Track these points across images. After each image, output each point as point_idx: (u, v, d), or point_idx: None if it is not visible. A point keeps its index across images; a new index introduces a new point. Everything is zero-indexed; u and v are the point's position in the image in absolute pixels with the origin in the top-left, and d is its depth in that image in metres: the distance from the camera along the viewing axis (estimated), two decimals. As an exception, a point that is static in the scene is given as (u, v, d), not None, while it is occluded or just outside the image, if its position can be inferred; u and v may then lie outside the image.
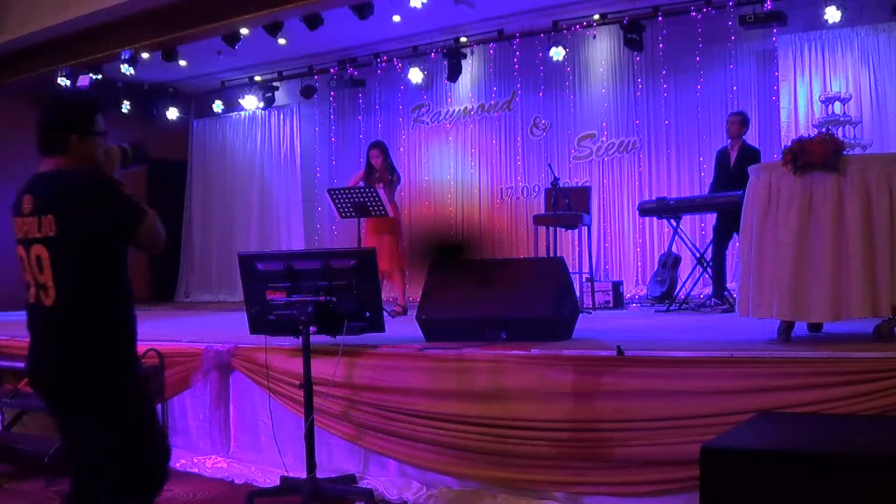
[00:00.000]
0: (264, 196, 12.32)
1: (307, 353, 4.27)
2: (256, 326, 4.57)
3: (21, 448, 5.36)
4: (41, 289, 2.81)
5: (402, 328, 5.47)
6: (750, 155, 7.24)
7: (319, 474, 4.28)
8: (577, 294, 6.37)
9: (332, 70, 11.43)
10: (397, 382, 4.51)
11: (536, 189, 10.38)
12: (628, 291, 9.11)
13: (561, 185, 8.52)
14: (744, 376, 3.71)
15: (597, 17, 9.78)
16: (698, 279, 7.76)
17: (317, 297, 4.25)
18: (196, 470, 5.13)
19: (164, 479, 3.01)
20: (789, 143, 4.25)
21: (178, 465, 5.07)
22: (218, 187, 12.76)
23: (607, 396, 3.97)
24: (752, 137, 8.03)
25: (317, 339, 4.37)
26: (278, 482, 4.50)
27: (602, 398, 3.98)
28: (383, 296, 5.35)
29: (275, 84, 11.97)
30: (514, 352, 4.30)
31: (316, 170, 12.14)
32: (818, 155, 4.03)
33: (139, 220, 2.84)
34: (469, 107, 11.00)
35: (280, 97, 12.10)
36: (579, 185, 9.75)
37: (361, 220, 7.49)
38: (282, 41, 9.53)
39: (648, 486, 3.83)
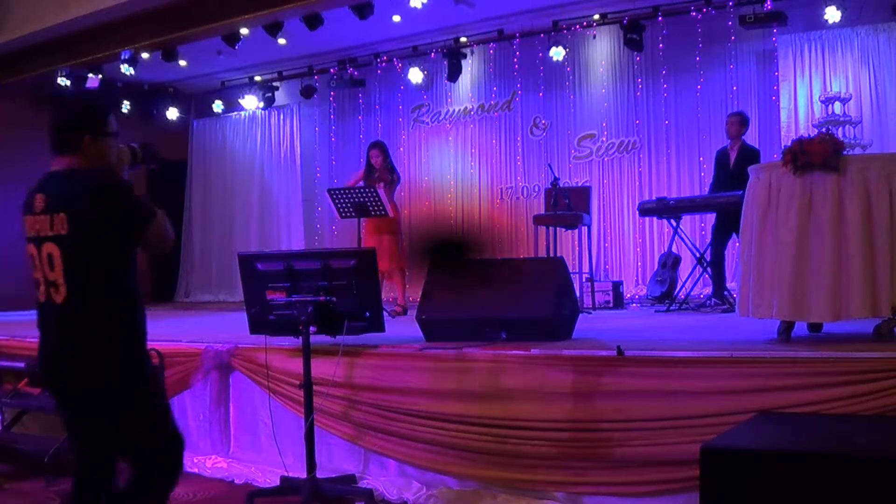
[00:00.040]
0: (264, 196, 12.32)
1: (307, 353, 4.27)
2: (256, 326, 4.57)
3: (21, 448, 5.37)
4: (52, 286, 2.83)
5: (402, 328, 5.47)
6: (749, 155, 7.25)
7: (319, 474, 4.28)
8: (577, 294, 6.37)
9: (332, 70, 11.43)
10: (397, 382, 4.51)
11: (536, 189, 10.38)
12: (628, 291, 9.10)
13: (561, 185, 8.52)
14: (744, 376, 3.71)
15: (597, 17, 9.78)
16: (698, 279, 7.76)
17: (317, 297, 4.25)
18: (196, 470, 5.13)
19: (179, 470, 3.03)
20: (789, 143, 4.25)
21: (178, 465, 5.07)
22: (218, 187, 12.75)
23: (607, 396, 3.97)
24: (752, 137, 8.03)
25: (317, 339, 4.37)
26: (278, 482, 4.51)
27: (602, 398, 3.98)
28: (383, 296, 5.35)
29: (275, 84, 11.97)
30: (514, 352, 4.30)
31: (316, 170, 12.14)
32: (818, 155, 4.04)
33: (149, 221, 2.87)
34: (469, 107, 11.00)
35: (280, 97, 12.10)
36: (579, 185, 9.74)
37: (361, 220, 7.49)
38: (282, 41, 9.53)
39: (648, 486, 3.83)
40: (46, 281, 2.83)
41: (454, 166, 11.07)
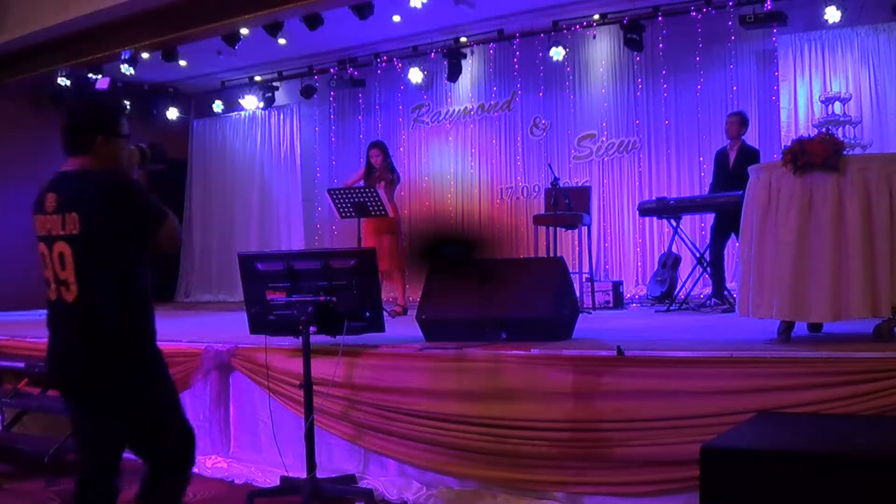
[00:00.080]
0: (264, 196, 12.32)
1: (307, 353, 4.27)
2: (256, 326, 4.57)
3: (21, 448, 5.37)
4: (62, 285, 2.84)
5: (402, 328, 5.47)
6: (749, 155, 7.25)
7: (319, 474, 4.28)
8: (577, 294, 6.37)
9: (332, 70, 11.44)
10: (397, 382, 4.51)
11: (536, 189, 10.38)
12: (628, 291, 9.11)
13: (561, 185, 8.52)
14: (744, 376, 3.71)
15: (597, 17, 9.78)
16: (698, 279, 7.76)
17: (317, 297, 4.25)
18: (196, 470, 5.08)
19: (189, 467, 3.09)
20: (789, 143, 4.25)
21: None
22: (218, 187, 12.76)
23: (607, 396, 3.97)
24: (752, 137, 8.03)
25: (317, 339, 4.37)
26: (278, 482, 4.50)
27: (602, 398, 3.98)
28: (383, 296, 5.35)
29: (275, 84, 11.97)
30: (514, 352, 4.30)
31: (316, 170, 12.14)
32: (818, 155, 4.04)
33: (160, 222, 2.91)
34: (469, 107, 11.00)
35: (280, 97, 12.10)
36: (579, 185, 9.74)
37: (361, 220, 7.49)
38: (282, 41, 9.53)
39: (648, 486, 3.83)
40: (57, 280, 2.85)
41: (454, 166, 11.08)
